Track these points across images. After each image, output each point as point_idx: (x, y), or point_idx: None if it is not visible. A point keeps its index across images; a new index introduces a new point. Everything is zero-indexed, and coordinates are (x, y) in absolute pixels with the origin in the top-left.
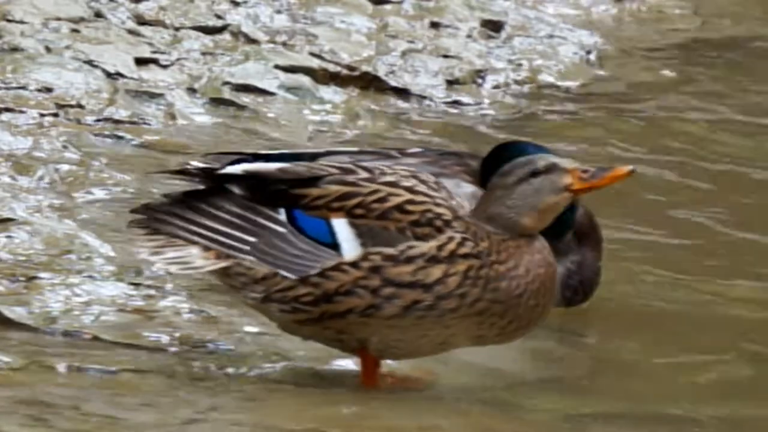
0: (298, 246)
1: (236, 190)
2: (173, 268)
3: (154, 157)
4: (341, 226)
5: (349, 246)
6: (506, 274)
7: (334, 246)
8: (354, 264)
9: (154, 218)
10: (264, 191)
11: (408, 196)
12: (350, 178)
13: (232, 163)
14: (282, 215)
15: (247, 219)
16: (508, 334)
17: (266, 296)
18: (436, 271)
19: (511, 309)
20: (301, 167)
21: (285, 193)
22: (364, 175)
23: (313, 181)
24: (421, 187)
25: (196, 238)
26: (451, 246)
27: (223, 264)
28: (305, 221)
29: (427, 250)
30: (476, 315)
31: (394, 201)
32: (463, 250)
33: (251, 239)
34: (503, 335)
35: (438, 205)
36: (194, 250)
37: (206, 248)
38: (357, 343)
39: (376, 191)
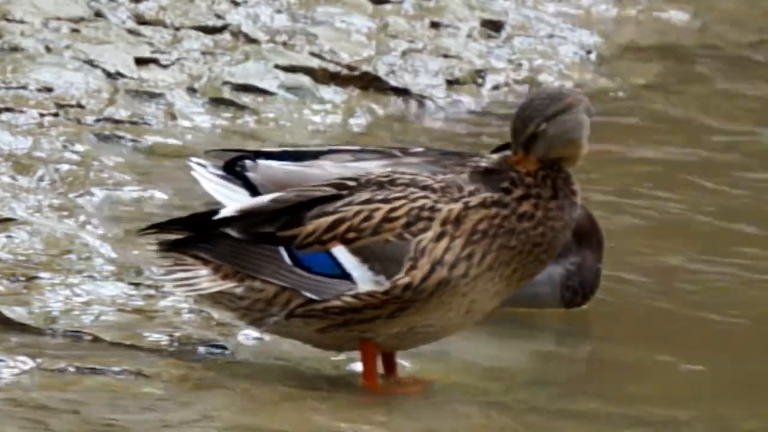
0: (313, 278)
1: (233, 233)
2: (180, 291)
3: (154, 157)
4: (342, 255)
5: (360, 274)
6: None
7: (346, 276)
8: (385, 292)
9: (175, 250)
10: (257, 234)
11: (386, 206)
12: (330, 208)
13: (232, 163)
14: (285, 257)
15: (256, 252)
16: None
17: (289, 313)
18: (442, 243)
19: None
20: (291, 194)
21: (275, 235)
22: (342, 202)
23: (298, 219)
24: (395, 192)
25: (210, 257)
26: (454, 214)
27: (229, 285)
28: (308, 260)
29: (432, 234)
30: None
31: (378, 215)
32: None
33: (269, 264)
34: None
35: (415, 199)
36: (203, 271)
37: (216, 269)
38: (379, 339)
39: (359, 212)
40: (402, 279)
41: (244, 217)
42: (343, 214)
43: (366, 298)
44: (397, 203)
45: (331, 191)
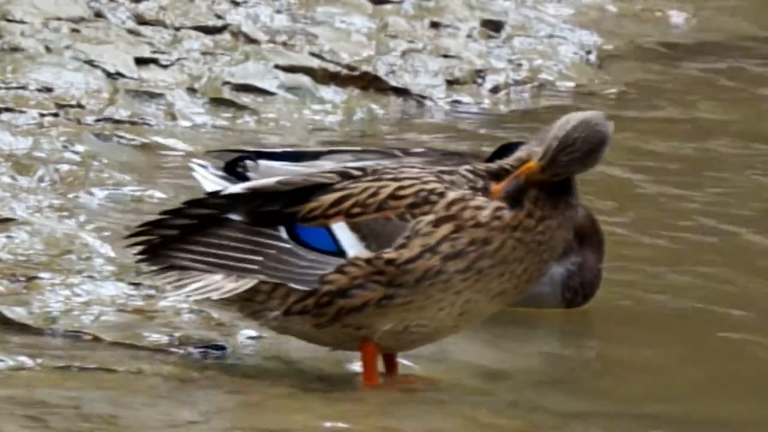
0: (306, 257)
1: (234, 217)
2: (214, 295)
3: (154, 157)
4: (342, 231)
5: (355, 252)
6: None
7: (340, 254)
8: (368, 261)
9: (160, 256)
10: (261, 214)
11: (395, 184)
12: (339, 185)
13: (233, 164)
14: (283, 233)
15: (251, 241)
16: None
17: (287, 309)
18: (442, 230)
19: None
20: (298, 177)
21: (280, 213)
22: (351, 180)
23: (308, 193)
24: (406, 173)
25: (206, 267)
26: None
27: (250, 283)
28: (307, 234)
29: (433, 218)
30: (500, 264)
31: (386, 191)
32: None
33: (258, 258)
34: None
35: (426, 182)
36: (217, 276)
37: (227, 274)
38: (373, 335)
39: (366, 188)
40: (388, 253)
41: (250, 197)
42: (351, 191)
43: (350, 269)
44: (406, 182)
45: (337, 179)
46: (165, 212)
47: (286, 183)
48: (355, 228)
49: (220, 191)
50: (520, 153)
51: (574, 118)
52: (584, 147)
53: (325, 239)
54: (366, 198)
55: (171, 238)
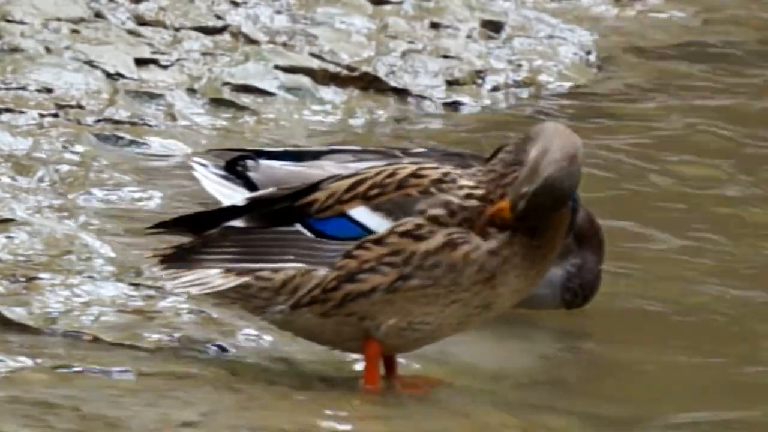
0: (330, 246)
1: (240, 224)
2: (193, 290)
3: (154, 158)
4: (363, 214)
5: (383, 228)
6: None
7: (369, 233)
8: (377, 240)
9: (175, 260)
10: (270, 215)
11: (414, 166)
12: (347, 172)
13: (233, 163)
14: (304, 230)
15: (268, 239)
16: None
17: (295, 303)
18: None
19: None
20: (296, 183)
21: (291, 209)
22: (364, 165)
23: (313, 187)
24: (424, 161)
25: (218, 264)
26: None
27: (243, 279)
28: (326, 226)
29: (463, 194)
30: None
31: (405, 171)
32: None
33: (288, 247)
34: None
35: (448, 172)
36: (213, 270)
37: (227, 270)
38: (376, 330)
39: (382, 171)
40: (403, 225)
41: (254, 205)
42: (365, 175)
43: (359, 252)
44: (427, 165)
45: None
46: (177, 219)
47: (284, 188)
48: (376, 208)
49: (222, 209)
50: (504, 155)
51: (550, 161)
52: (555, 192)
53: (347, 226)
54: (383, 179)
55: (189, 247)
